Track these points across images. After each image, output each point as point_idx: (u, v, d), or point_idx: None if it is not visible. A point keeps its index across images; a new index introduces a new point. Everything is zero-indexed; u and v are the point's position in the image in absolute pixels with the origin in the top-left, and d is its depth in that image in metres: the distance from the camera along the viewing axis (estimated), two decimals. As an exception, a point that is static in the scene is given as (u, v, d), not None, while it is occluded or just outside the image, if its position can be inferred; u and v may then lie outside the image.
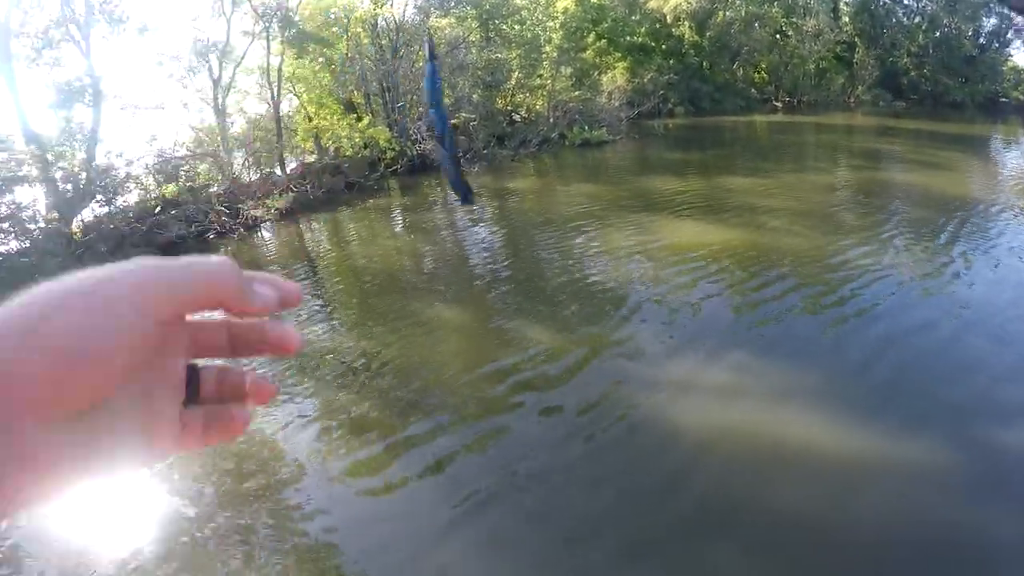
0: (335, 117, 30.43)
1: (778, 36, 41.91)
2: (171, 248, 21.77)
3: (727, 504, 6.57)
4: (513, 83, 35.23)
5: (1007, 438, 7.29)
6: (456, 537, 6.51)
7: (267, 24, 27.58)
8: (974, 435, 7.32)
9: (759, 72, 43.51)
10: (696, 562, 5.99)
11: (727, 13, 39.68)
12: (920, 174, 22.77)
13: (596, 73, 37.71)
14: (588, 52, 37.04)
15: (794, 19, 41.18)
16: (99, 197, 23.17)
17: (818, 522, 6.24)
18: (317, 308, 14.25)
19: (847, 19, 43.56)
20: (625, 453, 7.53)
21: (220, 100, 28.04)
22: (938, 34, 44.87)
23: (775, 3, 41.58)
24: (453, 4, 33.87)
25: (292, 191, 25.97)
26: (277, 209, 24.41)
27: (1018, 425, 7.49)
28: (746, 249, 14.29)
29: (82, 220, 22.83)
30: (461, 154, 28.11)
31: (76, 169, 23.05)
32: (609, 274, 13.78)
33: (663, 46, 40.54)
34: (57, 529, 7.22)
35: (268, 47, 28.39)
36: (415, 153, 29.88)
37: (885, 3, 45.17)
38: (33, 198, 21.59)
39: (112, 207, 23.41)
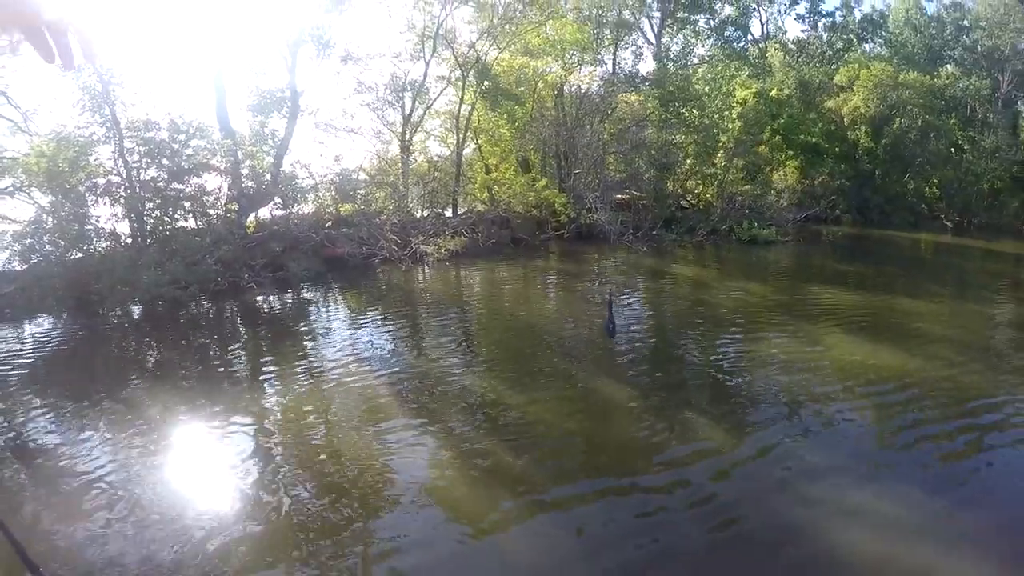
0: (511, 172, 28.59)
1: (953, 150, 38.25)
2: (336, 262, 20.94)
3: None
4: (686, 168, 32.43)
5: None
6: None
7: (465, 73, 26.40)
8: None
9: (930, 187, 39.61)
10: None
11: (903, 121, 36.16)
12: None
13: (768, 169, 34.79)
14: (762, 147, 34.26)
15: (971, 132, 37.77)
16: (277, 200, 22.05)
17: None
18: (458, 347, 13.47)
19: None
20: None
21: (407, 135, 26.52)
22: None
23: (952, 115, 37.72)
24: (638, 81, 31.96)
25: (463, 235, 24.01)
26: (447, 249, 22.49)
27: None
28: (913, 377, 11.78)
29: (257, 217, 21.96)
30: (630, 232, 26.31)
31: (262, 170, 21.72)
32: (758, 377, 11.72)
33: (836, 149, 37.27)
34: (155, 482, 7.52)
35: (461, 95, 27.02)
36: (586, 222, 27.34)
37: (1069, 122, 39.86)
38: (218, 187, 20.72)
39: (288, 211, 22.16)
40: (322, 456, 8.15)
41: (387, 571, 6.02)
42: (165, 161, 18.74)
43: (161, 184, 18.75)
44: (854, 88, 36.14)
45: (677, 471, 7.99)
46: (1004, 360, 13.47)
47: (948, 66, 41.38)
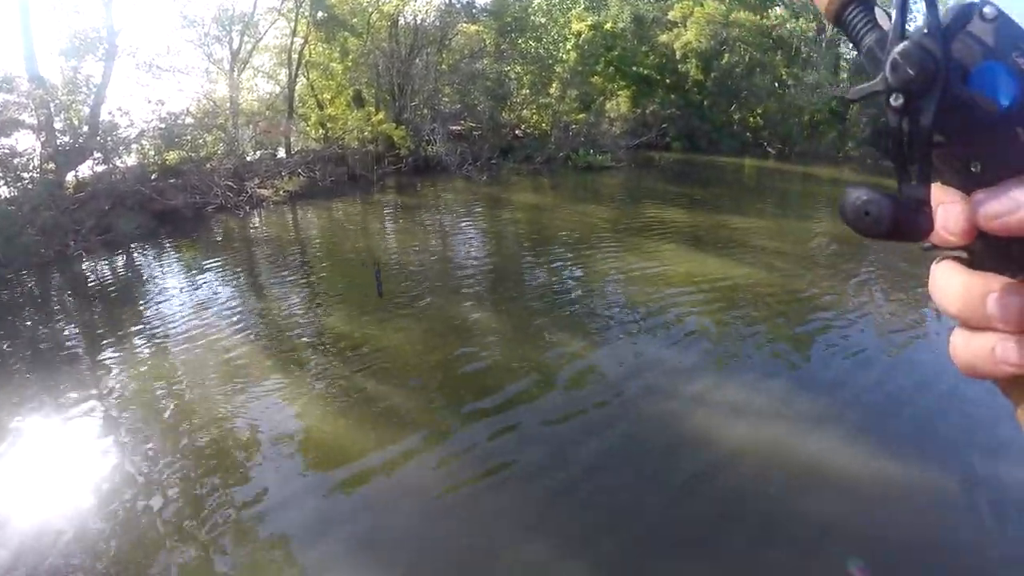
0: (344, 108, 28.25)
1: (777, 84, 40.63)
2: (168, 215, 19.70)
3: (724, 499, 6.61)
4: (521, 98, 33.27)
5: (993, 468, 7.35)
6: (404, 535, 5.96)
7: (299, 3, 25.54)
8: (960, 463, 7.44)
9: (755, 117, 42.13)
10: (696, 557, 5.89)
11: (732, 56, 38.23)
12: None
13: (601, 99, 35.91)
14: (596, 78, 35.04)
15: (795, 70, 39.97)
16: (97, 155, 20.50)
17: (816, 526, 6.26)
18: (306, 291, 13.70)
19: (845, 76, 42.72)
20: (633, 454, 7.36)
21: (236, 73, 25.49)
22: (934, 100, 42.03)
23: (779, 52, 39.82)
24: (476, 12, 32.22)
25: (300, 175, 23.90)
26: (285, 191, 22.32)
27: (1002, 457, 7.51)
28: (745, 283, 13.71)
29: (77, 175, 20.38)
30: (468, 162, 27.19)
31: (78, 123, 20.43)
32: (606, 292, 13.29)
33: (667, 80, 39.22)
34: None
35: (294, 27, 26.17)
36: (425, 154, 28.01)
37: (885, 63, 43.07)
38: (31, 146, 19.04)
39: (110, 166, 20.85)
40: (178, 426, 7.84)
41: (261, 533, 5.99)
42: (-34, 122, 17.37)
43: (-38, 149, 17.35)
44: (687, 24, 37.45)
45: (548, 385, 8.76)
46: (822, 266, 15.91)
47: (778, 8, 42.98)
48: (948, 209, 0.60)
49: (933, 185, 0.60)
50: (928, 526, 6.35)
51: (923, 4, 0.60)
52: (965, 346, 0.61)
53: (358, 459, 7.08)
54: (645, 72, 38.50)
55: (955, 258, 0.63)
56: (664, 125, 37.64)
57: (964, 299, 0.60)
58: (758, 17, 38.61)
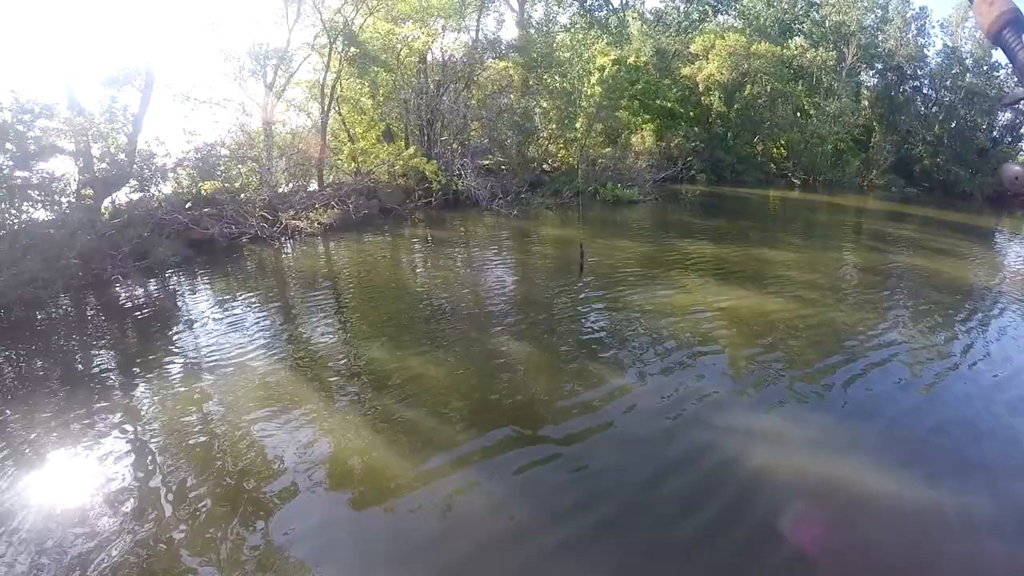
0: (376, 142, 28.23)
1: (799, 115, 40.77)
2: (203, 244, 19.62)
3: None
4: (548, 133, 33.40)
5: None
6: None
7: (332, 39, 25.52)
8: (995, 488, 7.37)
9: (779, 148, 42.23)
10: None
11: (754, 88, 38.26)
12: (927, 259, 21.56)
13: (626, 133, 35.77)
14: (622, 111, 34.91)
15: (816, 99, 40.09)
16: (134, 182, 20.29)
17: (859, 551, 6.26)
18: (338, 322, 13.40)
19: (867, 104, 42.93)
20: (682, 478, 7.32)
21: (269, 107, 25.25)
22: (954, 125, 44.09)
23: (800, 83, 39.99)
24: (504, 49, 32.30)
25: (334, 207, 23.60)
26: (320, 223, 22.08)
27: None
28: (778, 316, 13.50)
29: (113, 202, 20.03)
30: (498, 196, 26.91)
31: (115, 150, 20.00)
32: (639, 325, 12.83)
33: (691, 113, 39.72)
34: (31, 505, 6.72)
35: (327, 62, 26.19)
36: (456, 188, 27.67)
37: (905, 91, 44.35)
38: (67, 172, 18.55)
39: (146, 194, 20.59)
40: (207, 454, 7.72)
41: (291, 564, 5.83)
42: (9, 146, 16.68)
43: (6, 171, 16.63)
44: (709, 57, 38.06)
45: (589, 417, 8.56)
46: (853, 296, 15.58)
47: (797, 38, 44.04)
48: None
49: None
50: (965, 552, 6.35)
51: None
52: None
53: (388, 485, 7.04)
54: (669, 105, 38.96)
55: None
56: (689, 158, 37.67)
57: None
58: (778, 48, 39.12)
